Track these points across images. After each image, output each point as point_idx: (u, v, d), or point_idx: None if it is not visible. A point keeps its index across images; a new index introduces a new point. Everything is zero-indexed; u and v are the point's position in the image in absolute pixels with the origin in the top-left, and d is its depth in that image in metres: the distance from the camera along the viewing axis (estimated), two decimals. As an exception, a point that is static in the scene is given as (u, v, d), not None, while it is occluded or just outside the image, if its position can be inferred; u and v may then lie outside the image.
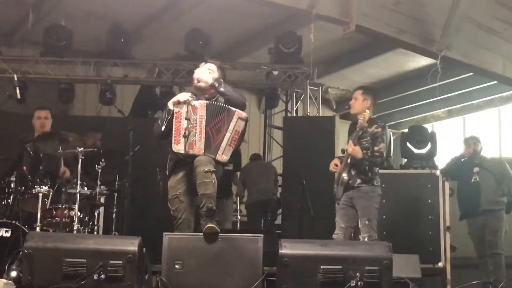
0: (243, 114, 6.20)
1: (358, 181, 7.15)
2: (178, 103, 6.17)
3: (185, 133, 6.03)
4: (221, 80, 6.32)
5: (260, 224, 11.66)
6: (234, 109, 6.18)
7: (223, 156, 6.09)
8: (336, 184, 7.30)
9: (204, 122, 6.08)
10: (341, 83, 15.91)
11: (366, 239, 6.92)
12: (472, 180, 9.38)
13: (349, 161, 7.16)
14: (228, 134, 6.11)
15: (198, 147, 6.02)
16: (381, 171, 8.65)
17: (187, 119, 6.07)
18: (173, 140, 6.10)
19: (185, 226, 6.13)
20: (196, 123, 6.07)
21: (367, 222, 7.03)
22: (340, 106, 16.96)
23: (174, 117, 6.13)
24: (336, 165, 7.30)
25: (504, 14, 10.12)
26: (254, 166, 12.26)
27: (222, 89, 6.19)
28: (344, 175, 7.16)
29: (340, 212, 7.22)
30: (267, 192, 11.83)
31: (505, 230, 9.22)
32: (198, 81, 6.25)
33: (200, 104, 6.12)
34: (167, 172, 6.39)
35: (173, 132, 6.10)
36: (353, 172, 7.17)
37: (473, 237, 9.43)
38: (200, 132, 6.05)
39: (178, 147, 6.06)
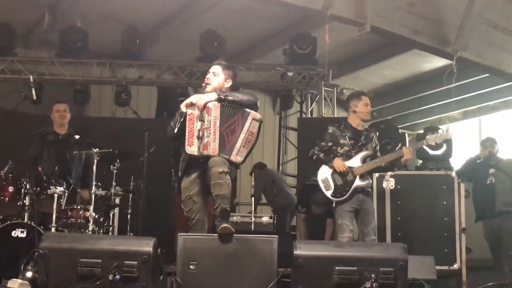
0: (258, 115, 6.19)
1: (369, 186, 7.40)
2: (191, 105, 6.17)
3: (199, 134, 6.02)
4: (223, 91, 6.29)
5: (287, 225, 11.74)
6: (248, 110, 6.18)
7: (238, 157, 6.09)
8: (335, 185, 7.32)
9: (218, 123, 6.06)
10: (356, 84, 15.82)
11: (375, 240, 7.14)
12: (488, 182, 9.34)
13: (377, 165, 7.32)
14: (242, 135, 6.10)
15: (213, 147, 6.00)
16: (396, 172, 8.71)
17: (201, 120, 6.06)
18: (186, 142, 6.08)
19: (199, 226, 6.14)
20: (210, 124, 6.05)
21: (376, 224, 7.34)
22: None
23: (187, 119, 6.12)
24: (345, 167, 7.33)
25: (520, 15, 10.10)
26: (269, 172, 12.33)
27: (230, 98, 6.16)
28: (361, 179, 7.25)
29: (348, 215, 7.22)
30: (291, 196, 11.97)
31: (522, 232, 9.19)
32: (205, 103, 6.16)
33: (214, 105, 6.10)
34: (179, 173, 6.39)
35: (186, 134, 6.09)
36: (368, 177, 7.35)
37: (489, 239, 9.39)
38: (214, 133, 6.03)
39: (192, 148, 6.05)
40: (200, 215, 6.18)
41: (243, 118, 6.15)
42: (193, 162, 6.15)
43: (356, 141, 7.36)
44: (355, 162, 7.28)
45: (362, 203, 7.27)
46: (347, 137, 7.36)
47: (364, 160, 7.30)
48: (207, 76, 6.41)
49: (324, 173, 7.37)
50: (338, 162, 7.26)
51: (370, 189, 7.48)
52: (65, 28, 11.92)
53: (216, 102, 6.12)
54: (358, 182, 7.22)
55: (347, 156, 7.32)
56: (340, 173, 7.25)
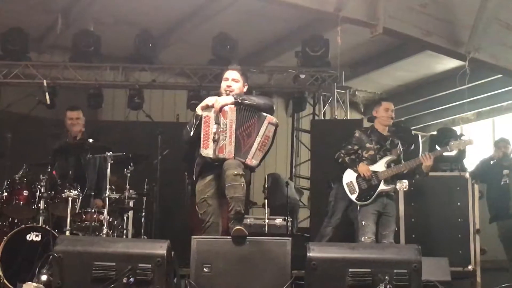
0: (274, 119, 6.20)
1: (393, 190, 7.53)
2: (206, 107, 6.17)
3: (214, 137, 6.02)
4: (241, 94, 6.32)
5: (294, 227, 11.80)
6: (264, 114, 6.18)
7: (253, 160, 6.08)
8: (359, 189, 7.41)
9: (234, 126, 6.06)
10: (369, 86, 15.86)
11: (393, 243, 7.17)
12: (502, 183, 9.34)
13: (400, 171, 7.43)
14: (258, 139, 6.09)
15: (228, 151, 6.00)
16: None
17: (217, 123, 6.06)
18: (201, 145, 6.08)
19: (213, 229, 6.14)
20: (226, 127, 6.04)
21: (395, 228, 7.50)
22: (368, 109, 16.86)
23: (203, 122, 6.12)
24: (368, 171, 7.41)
25: (533, 15, 10.04)
26: (278, 175, 12.42)
27: (247, 102, 6.16)
28: (385, 183, 7.38)
29: (372, 217, 7.34)
30: (295, 198, 12.04)
31: (536, 233, 9.15)
32: (222, 107, 6.15)
33: (230, 108, 6.10)
34: (194, 177, 6.39)
35: (202, 136, 6.09)
36: (392, 182, 7.47)
37: (503, 240, 9.37)
38: (230, 136, 6.03)
39: (207, 151, 6.05)
40: (215, 217, 6.19)
41: (259, 121, 6.15)
42: (208, 165, 6.16)
43: (381, 146, 7.54)
44: (380, 166, 7.43)
45: (385, 207, 7.42)
46: (373, 142, 7.53)
47: (388, 165, 7.45)
48: (227, 84, 6.35)
49: (349, 177, 7.52)
50: (362, 167, 7.40)
51: (393, 193, 7.63)
52: (78, 32, 11.97)
53: (233, 106, 6.12)
54: (382, 187, 7.37)
55: (372, 160, 7.47)
56: (364, 177, 7.36)
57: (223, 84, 6.38)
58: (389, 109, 7.66)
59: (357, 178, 7.44)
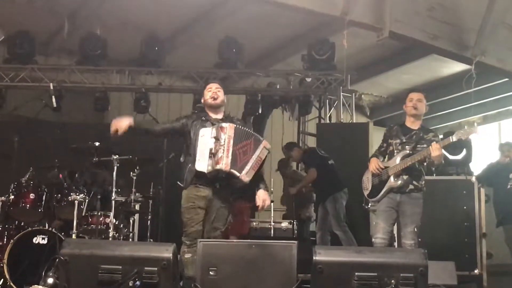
0: (268, 145, 6.42)
1: (411, 187, 7.02)
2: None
3: (210, 151, 6.13)
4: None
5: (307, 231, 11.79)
6: (261, 138, 6.41)
7: (246, 177, 6.22)
8: (372, 186, 7.23)
9: (232, 142, 6.20)
10: (375, 89, 15.85)
11: (413, 246, 6.81)
12: (508, 186, 9.31)
13: (407, 165, 6.97)
14: (254, 157, 6.28)
15: (225, 163, 6.14)
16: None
17: (216, 138, 6.15)
18: (196, 160, 6.26)
19: (197, 235, 6.22)
20: (224, 142, 6.18)
21: (415, 229, 6.91)
22: (374, 113, 16.90)
23: (199, 140, 6.30)
24: (379, 167, 7.16)
25: (540, 19, 10.03)
26: (295, 172, 12.39)
27: None
28: (395, 179, 7.01)
29: (384, 215, 7.04)
30: None
31: (543, 237, 9.13)
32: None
33: (230, 126, 6.27)
34: (183, 183, 6.45)
35: (197, 152, 6.26)
36: (405, 177, 7.00)
37: (510, 244, 9.33)
38: (227, 150, 6.17)
39: (201, 166, 6.21)
40: (200, 225, 6.30)
41: (255, 143, 6.33)
42: (202, 177, 6.29)
43: (401, 140, 7.17)
44: (395, 161, 7.08)
45: (399, 205, 7.02)
46: (394, 137, 7.20)
47: (402, 160, 7.03)
48: (213, 90, 6.54)
49: (366, 174, 7.36)
50: (371, 163, 7.20)
51: (412, 191, 7.04)
52: (85, 36, 12.00)
53: (232, 124, 6.30)
54: (391, 182, 7.02)
55: (391, 156, 7.17)
56: (377, 173, 7.14)
57: (210, 93, 6.55)
58: (413, 99, 7.37)
59: (372, 175, 7.22)
